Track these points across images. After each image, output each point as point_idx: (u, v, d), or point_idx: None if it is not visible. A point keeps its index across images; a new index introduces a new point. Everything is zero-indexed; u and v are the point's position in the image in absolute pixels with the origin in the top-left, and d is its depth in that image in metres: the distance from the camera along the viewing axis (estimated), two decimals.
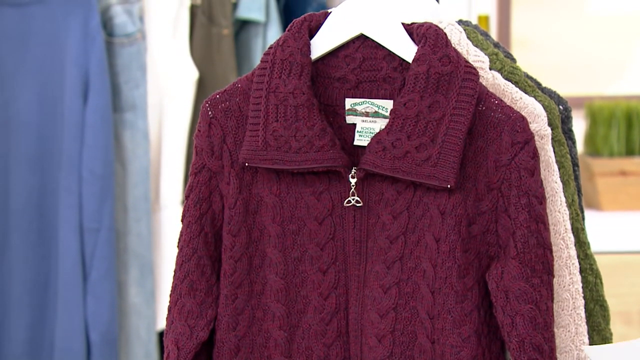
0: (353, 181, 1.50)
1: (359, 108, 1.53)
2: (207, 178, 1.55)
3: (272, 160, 1.50)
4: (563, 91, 1.80)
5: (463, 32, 1.62)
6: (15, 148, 2.87)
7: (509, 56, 1.71)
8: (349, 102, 1.53)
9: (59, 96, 2.85)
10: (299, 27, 1.53)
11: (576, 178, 1.70)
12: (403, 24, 1.53)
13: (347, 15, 1.53)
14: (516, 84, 1.63)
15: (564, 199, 1.59)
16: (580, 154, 3.35)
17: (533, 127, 1.55)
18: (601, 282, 1.68)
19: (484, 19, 3.42)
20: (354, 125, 1.53)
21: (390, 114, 1.49)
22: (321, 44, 1.53)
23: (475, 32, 1.68)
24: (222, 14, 3.03)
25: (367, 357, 1.51)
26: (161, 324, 2.97)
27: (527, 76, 1.69)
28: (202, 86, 3.00)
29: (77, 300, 2.85)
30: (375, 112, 1.52)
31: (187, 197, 1.57)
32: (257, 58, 3.07)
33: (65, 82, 2.84)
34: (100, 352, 2.86)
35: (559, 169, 1.62)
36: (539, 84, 1.71)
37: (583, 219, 1.69)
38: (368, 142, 1.50)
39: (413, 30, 1.52)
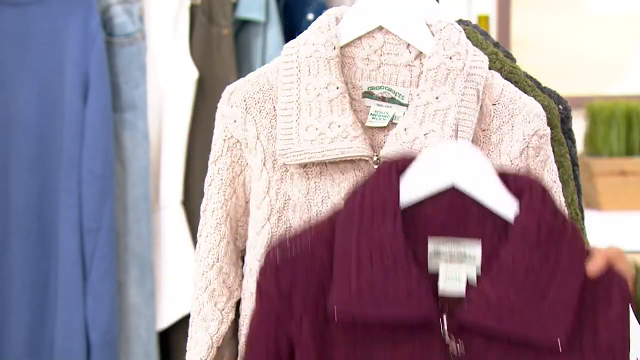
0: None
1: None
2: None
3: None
4: (563, 91, 1.80)
5: (463, 32, 1.62)
6: (15, 148, 2.87)
7: (509, 56, 1.71)
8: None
9: (59, 96, 2.85)
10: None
11: (576, 178, 1.70)
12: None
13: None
14: (516, 83, 1.62)
15: (563, 199, 1.59)
16: (580, 154, 3.35)
17: (532, 126, 1.54)
18: None
19: (484, 19, 3.42)
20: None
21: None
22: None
23: (475, 32, 1.68)
24: (222, 14, 3.03)
25: None
26: (161, 324, 2.97)
27: (527, 76, 1.69)
28: (202, 86, 2.99)
29: (77, 300, 2.85)
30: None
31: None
32: (257, 58, 3.07)
33: (65, 82, 2.84)
34: (100, 352, 2.86)
35: (559, 169, 1.62)
36: (538, 84, 1.71)
37: (583, 219, 1.69)
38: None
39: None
